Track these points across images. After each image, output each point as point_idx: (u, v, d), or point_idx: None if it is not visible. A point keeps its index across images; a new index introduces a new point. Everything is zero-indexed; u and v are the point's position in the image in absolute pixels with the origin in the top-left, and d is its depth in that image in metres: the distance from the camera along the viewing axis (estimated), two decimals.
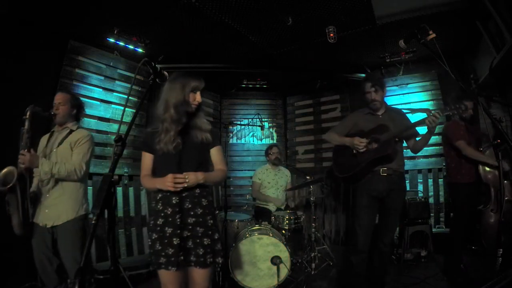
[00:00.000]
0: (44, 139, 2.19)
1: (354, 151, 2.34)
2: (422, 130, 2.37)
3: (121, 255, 3.45)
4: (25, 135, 1.97)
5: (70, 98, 2.22)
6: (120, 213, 3.53)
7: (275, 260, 2.66)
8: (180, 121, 1.63)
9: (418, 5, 2.89)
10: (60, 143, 2.12)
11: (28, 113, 1.99)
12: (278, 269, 2.64)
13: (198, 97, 1.67)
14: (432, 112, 2.15)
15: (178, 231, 1.57)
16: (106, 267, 2.69)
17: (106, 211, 1.04)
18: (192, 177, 1.57)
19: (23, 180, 1.91)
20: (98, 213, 1.00)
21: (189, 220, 1.60)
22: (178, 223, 1.57)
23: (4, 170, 1.90)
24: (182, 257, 1.56)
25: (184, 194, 1.61)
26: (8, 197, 1.89)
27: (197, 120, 1.71)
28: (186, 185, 1.55)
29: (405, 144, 2.48)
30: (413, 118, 2.51)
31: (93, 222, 0.98)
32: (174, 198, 1.60)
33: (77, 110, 2.26)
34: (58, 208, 2.04)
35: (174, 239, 1.56)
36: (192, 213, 1.61)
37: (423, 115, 2.24)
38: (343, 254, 3.62)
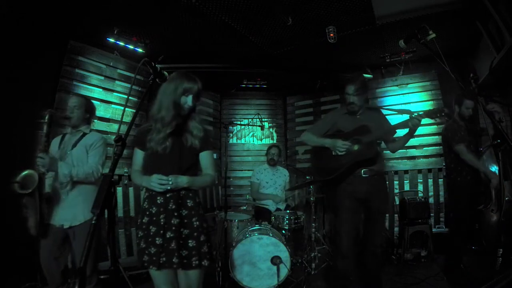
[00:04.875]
0: (55, 142, 2.20)
1: (334, 153, 2.27)
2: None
3: (121, 255, 3.45)
4: (43, 138, 1.98)
5: (85, 102, 2.26)
6: (120, 213, 3.53)
7: (275, 260, 2.66)
8: (171, 123, 1.62)
9: (418, 5, 2.89)
10: (74, 146, 2.13)
11: (46, 117, 2.00)
12: (278, 269, 2.64)
13: (189, 100, 1.64)
14: (415, 114, 2.11)
15: (161, 231, 1.57)
16: (106, 267, 2.69)
17: (106, 211, 1.04)
18: (177, 180, 1.57)
19: (41, 182, 1.92)
20: (98, 213, 1.00)
21: (173, 221, 1.59)
22: (162, 223, 1.58)
23: (24, 173, 1.89)
24: (164, 258, 1.55)
25: (168, 195, 1.60)
26: (25, 200, 1.89)
27: (190, 124, 1.70)
28: (169, 187, 1.55)
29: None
30: (394, 118, 2.45)
31: (93, 222, 0.98)
32: (158, 198, 1.61)
33: (90, 114, 2.29)
34: (75, 209, 2.05)
35: (157, 238, 1.56)
36: (176, 214, 1.60)
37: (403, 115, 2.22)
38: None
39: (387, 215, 4.22)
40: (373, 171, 2.24)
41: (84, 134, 2.19)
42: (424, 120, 4.04)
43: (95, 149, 2.15)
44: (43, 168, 1.92)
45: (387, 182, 4.21)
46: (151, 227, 1.59)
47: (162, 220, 1.58)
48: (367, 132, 2.19)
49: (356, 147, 2.22)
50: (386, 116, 2.49)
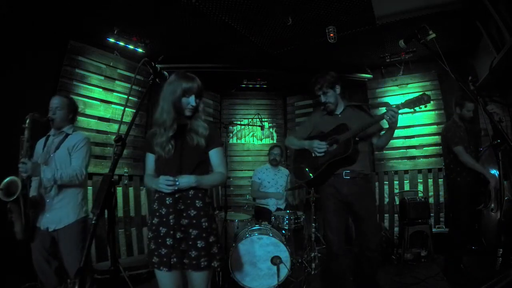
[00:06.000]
0: (40, 144, 2.18)
1: (313, 154, 2.25)
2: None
3: (121, 255, 3.45)
4: (25, 143, 1.96)
5: (68, 102, 2.20)
6: (120, 213, 3.53)
7: (275, 260, 2.66)
8: (172, 126, 1.61)
9: (418, 5, 2.89)
10: (57, 148, 2.11)
11: (27, 121, 1.98)
12: (278, 269, 2.64)
13: (192, 101, 1.62)
14: (390, 107, 2.04)
15: (172, 232, 1.57)
16: (106, 267, 2.69)
17: (106, 211, 1.04)
18: (183, 180, 1.57)
19: (25, 187, 1.91)
20: (98, 213, 1.00)
21: (182, 222, 1.59)
22: (172, 223, 1.57)
23: (7, 180, 1.89)
24: (175, 259, 1.55)
25: (177, 196, 1.60)
26: (10, 205, 1.89)
27: (194, 123, 1.68)
28: (176, 187, 1.55)
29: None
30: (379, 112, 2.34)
31: (93, 222, 0.98)
32: (168, 198, 1.60)
33: (73, 114, 2.25)
34: (59, 212, 2.05)
35: (167, 239, 1.56)
36: (185, 214, 1.60)
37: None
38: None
39: (386, 215, 4.23)
40: (355, 172, 2.18)
41: (67, 135, 2.15)
42: (424, 120, 4.07)
43: (77, 151, 2.11)
44: (25, 174, 1.90)
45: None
46: (161, 228, 1.58)
47: (171, 221, 1.58)
48: (346, 130, 2.15)
49: (334, 147, 2.18)
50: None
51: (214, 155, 1.73)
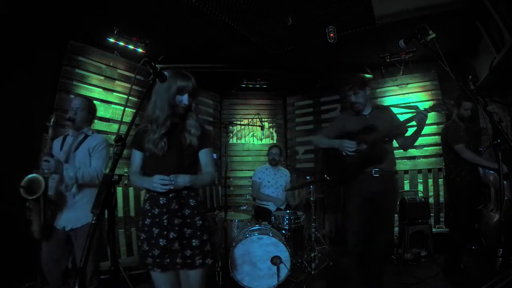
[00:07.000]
0: (57, 143, 2.18)
1: (343, 153, 2.31)
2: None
3: (121, 255, 3.45)
4: (48, 141, 1.98)
5: (88, 103, 2.24)
6: (120, 213, 3.53)
7: (275, 260, 2.66)
8: (165, 123, 1.60)
9: (418, 5, 2.89)
10: (77, 148, 2.13)
11: (52, 120, 2.00)
12: (278, 269, 2.64)
13: (185, 99, 1.62)
14: (420, 110, 2.13)
15: (165, 232, 1.55)
16: (106, 267, 2.69)
17: (106, 211, 1.04)
18: (179, 180, 1.56)
19: (45, 186, 1.91)
20: (98, 213, 1.00)
21: (176, 221, 1.57)
22: (165, 224, 1.56)
23: (29, 177, 1.88)
24: (168, 260, 1.54)
25: (171, 195, 1.59)
26: (30, 203, 1.89)
27: (187, 122, 1.68)
28: (172, 187, 1.54)
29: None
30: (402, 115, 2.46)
31: (93, 222, 0.99)
32: (161, 198, 1.59)
33: (92, 115, 2.28)
34: (78, 211, 2.04)
35: (160, 240, 1.55)
36: (179, 214, 1.59)
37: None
38: (340, 255, 3.61)
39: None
40: (383, 170, 2.26)
41: (86, 136, 2.18)
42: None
43: (98, 152, 2.14)
44: (49, 171, 1.90)
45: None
46: (154, 228, 1.57)
47: (165, 221, 1.56)
48: (374, 131, 2.22)
49: (364, 147, 2.25)
50: (397, 115, 2.50)
51: (204, 155, 1.73)
